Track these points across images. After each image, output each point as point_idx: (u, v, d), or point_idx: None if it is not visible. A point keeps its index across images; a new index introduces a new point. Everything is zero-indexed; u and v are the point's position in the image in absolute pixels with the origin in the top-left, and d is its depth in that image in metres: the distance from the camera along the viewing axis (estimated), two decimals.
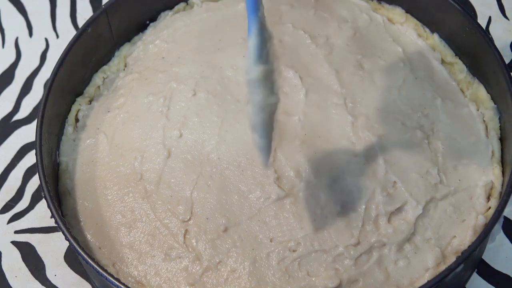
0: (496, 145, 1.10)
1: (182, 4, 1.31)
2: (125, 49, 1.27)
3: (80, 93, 1.21)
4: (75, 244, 0.97)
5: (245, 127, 1.11)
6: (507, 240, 1.16)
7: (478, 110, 1.15)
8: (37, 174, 1.03)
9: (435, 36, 1.23)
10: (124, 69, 1.25)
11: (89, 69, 1.23)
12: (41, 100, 1.15)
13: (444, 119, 1.13)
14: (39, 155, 1.04)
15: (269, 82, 0.88)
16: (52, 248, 1.19)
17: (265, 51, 0.87)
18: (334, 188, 1.05)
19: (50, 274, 1.17)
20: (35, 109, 1.35)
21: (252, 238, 1.02)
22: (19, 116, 1.34)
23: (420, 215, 1.03)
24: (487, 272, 1.13)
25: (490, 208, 1.05)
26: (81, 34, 1.16)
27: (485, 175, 1.08)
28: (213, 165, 1.08)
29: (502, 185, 1.06)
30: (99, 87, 1.23)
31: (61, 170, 1.13)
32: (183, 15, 1.29)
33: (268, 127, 0.91)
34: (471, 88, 1.17)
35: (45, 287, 1.16)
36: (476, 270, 1.13)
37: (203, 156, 1.09)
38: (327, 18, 1.24)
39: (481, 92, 1.16)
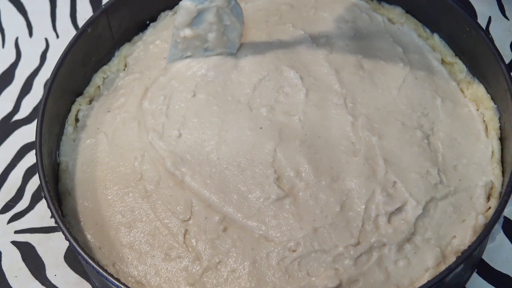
0: (496, 145, 1.10)
1: None
2: (125, 49, 1.27)
3: (80, 93, 1.21)
4: (75, 244, 0.97)
5: (245, 127, 1.11)
6: (507, 240, 1.16)
7: (478, 110, 1.15)
8: (37, 174, 1.03)
9: (435, 36, 1.23)
10: (124, 69, 1.25)
11: (89, 69, 1.23)
12: (41, 100, 1.15)
13: (444, 119, 1.13)
14: (39, 155, 1.04)
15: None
16: (52, 248, 1.19)
17: None
18: (334, 188, 1.05)
19: (50, 274, 1.17)
20: (35, 109, 1.35)
21: (251, 238, 1.02)
22: (19, 116, 1.34)
23: (420, 215, 1.03)
24: (487, 272, 1.13)
25: (490, 208, 1.05)
26: (81, 34, 1.16)
27: (485, 175, 1.08)
28: (212, 165, 1.08)
29: (502, 185, 1.06)
30: (99, 87, 1.23)
31: (61, 170, 1.14)
32: None
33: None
34: (471, 88, 1.17)
35: (45, 287, 1.16)
36: (476, 270, 1.13)
37: (203, 156, 1.09)
38: (327, 18, 1.24)
39: (481, 92, 1.16)
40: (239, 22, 1.10)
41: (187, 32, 1.09)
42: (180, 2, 1.08)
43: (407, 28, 1.25)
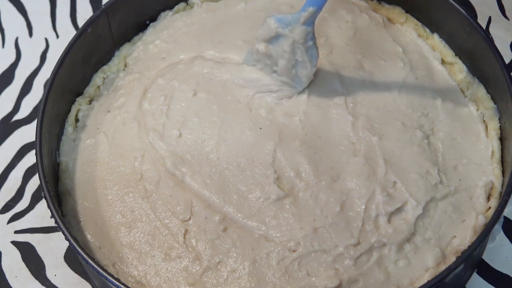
0: (496, 145, 1.10)
1: (182, 4, 1.31)
2: (125, 49, 1.27)
3: (80, 93, 1.21)
4: (75, 244, 0.97)
5: (245, 127, 1.11)
6: (507, 240, 1.16)
7: (478, 110, 1.15)
8: (37, 174, 1.03)
9: (435, 36, 1.23)
10: (124, 69, 1.25)
11: (89, 69, 1.23)
12: (41, 100, 1.15)
13: (444, 119, 1.13)
14: (39, 155, 1.04)
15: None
16: (52, 248, 1.19)
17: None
18: (334, 188, 1.05)
19: (50, 274, 1.17)
20: (35, 109, 1.35)
21: (251, 238, 1.02)
22: (19, 116, 1.35)
23: (420, 215, 1.03)
24: (487, 272, 1.13)
25: (490, 208, 1.05)
26: (81, 34, 1.17)
27: (485, 175, 1.08)
28: (212, 165, 1.08)
29: (502, 185, 1.07)
30: (99, 87, 1.23)
31: (61, 170, 1.14)
32: (183, 15, 1.29)
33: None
34: (471, 88, 1.17)
35: (45, 287, 1.16)
36: (476, 270, 1.13)
37: (203, 156, 1.09)
38: (327, 18, 1.24)
39: (481, 92, 1.16)
40: (310, 64, 1.10)
41: (261, 46, 1.10)
42: (267, 18, 1.09)
43: (407, 28, 1.25)
